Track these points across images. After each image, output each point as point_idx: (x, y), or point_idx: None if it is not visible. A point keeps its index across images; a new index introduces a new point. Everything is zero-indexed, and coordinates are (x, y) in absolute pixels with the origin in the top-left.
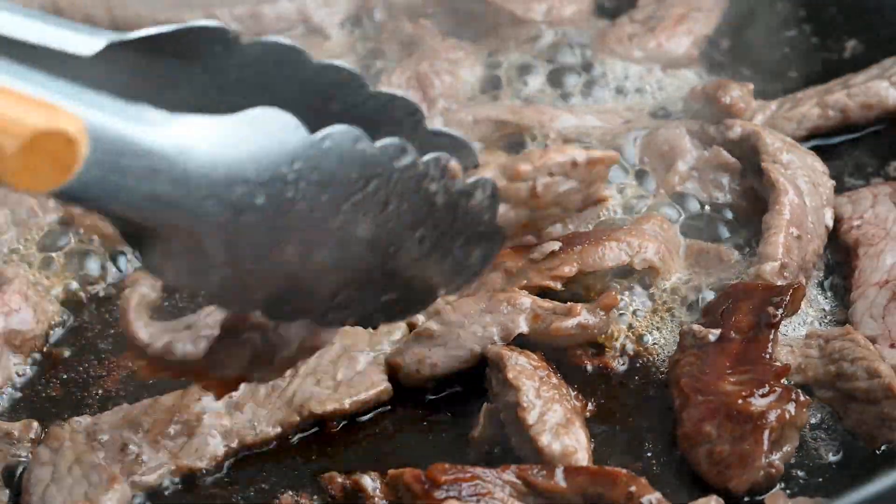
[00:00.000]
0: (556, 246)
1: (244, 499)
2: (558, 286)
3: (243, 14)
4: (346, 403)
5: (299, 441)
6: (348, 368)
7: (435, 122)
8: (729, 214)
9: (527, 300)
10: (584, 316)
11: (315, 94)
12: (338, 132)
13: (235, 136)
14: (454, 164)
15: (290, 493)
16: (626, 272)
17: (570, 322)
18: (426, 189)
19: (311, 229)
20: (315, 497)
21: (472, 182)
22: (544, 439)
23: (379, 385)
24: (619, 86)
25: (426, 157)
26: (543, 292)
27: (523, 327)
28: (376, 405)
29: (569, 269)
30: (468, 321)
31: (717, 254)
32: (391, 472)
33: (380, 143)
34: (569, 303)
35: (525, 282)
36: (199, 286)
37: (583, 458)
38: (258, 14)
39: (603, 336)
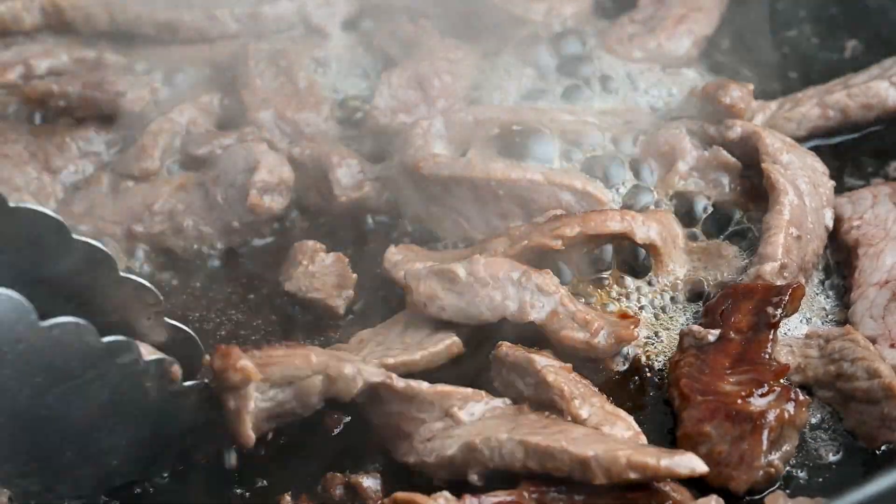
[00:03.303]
0: (560, 210)
1: (244, 499)
2: (559, 244)
3: (243, 14)
4: (417, 356)
5: (299, 441)
6: (415, 334)
7: (435, 123)
8: (729, 214)
9: (555, 290)
10: (599, 337)
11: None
12: (68, 323)
13: None
14: (176, 368)
15: (290, 493)
16: (629, 265)
17: (580, 336)
18: (143, 385)
19: (14, 403)
20: (315, 497)
21: (191, 386)
22: (605, 430)
23: (447, 339)
24: (619, 86)
25: (150, 358)
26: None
27: (538, 316)
28: (448, 358)
29: (570, 230)
30: (493, 284)
31: (718, 252)
32: (399, 494)
33: (107, 339)
34: (593, 315)
35: (526, 242)
36: None
37: (642, 439)
38: (258, 14)
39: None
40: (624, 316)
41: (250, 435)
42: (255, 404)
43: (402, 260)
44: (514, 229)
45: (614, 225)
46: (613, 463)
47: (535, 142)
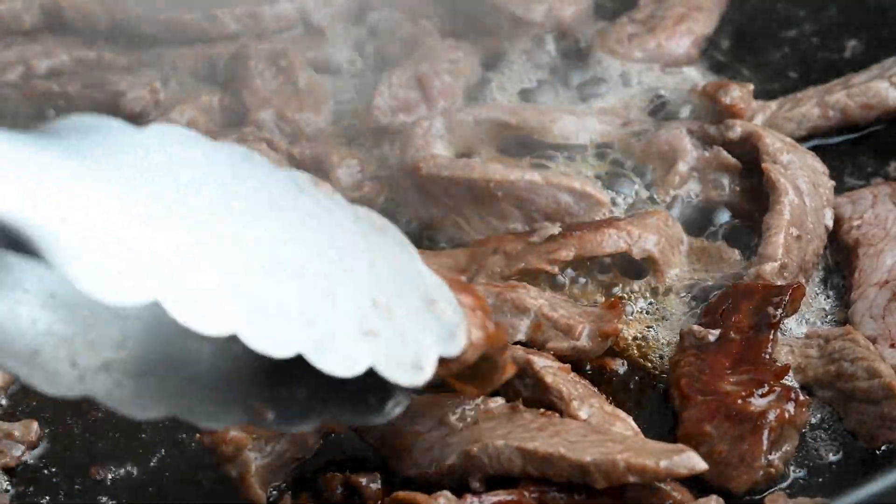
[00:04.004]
0: (555, 230)
1: (245, 499)
2: (555, 269)
3: (243, 14)
4: None
5: None
6: None
7: (435, 123)
8: (729, 214)
9: (534, 304)
10: (582, 340)
11: None
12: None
13: None
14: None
15: (290, 493)
16: (628, 268)
17: (566, 344)
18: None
19: None
20: (315, 497)
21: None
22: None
23: None
24: (619, 85)
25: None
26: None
27: (522, 336)
28: None
29: (566, 254)
30: None
31: (718, 253)
32: (399, 494)
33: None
34: (575, 317)
35: (523, 265)
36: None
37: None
38: (258, 14)
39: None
40: (611, 305)
41: (261, 495)
42: (255, 465)
43: None
44: (508, 243)
45: (611, 245)
46: (612, 468)
47: (535, 142)
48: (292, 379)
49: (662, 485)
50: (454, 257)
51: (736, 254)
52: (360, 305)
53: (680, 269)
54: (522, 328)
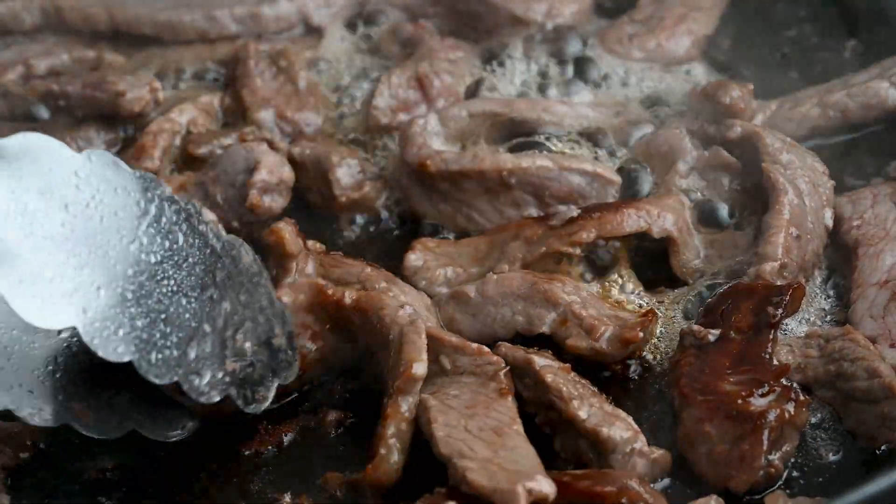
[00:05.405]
0: (574, 212)
1: (244, 499)
2: (577, 251)
3: (243, 14)
4: None
5: (299, 441)
6: None
7: (430, 120)
8: (728, 214)
9: (565, 299)
10: (601, 342)
11: None
12: (102, 153)
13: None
14: (208, 211)
15: (290, 492)
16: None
17: (585, 344)
18: (200, 231)
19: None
20: (315, 497)
21: (234, 238)
22: (604, 431)
23: None
24: (619, 85)
25: (180, 198)
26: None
27: (546, 328)
28: None
29: (586, 235)
30: (502, 301)
31: (731, 240)
32: None
33: (134, 171)
34: (602, 318)
35: (544, 248)
36: None
37: (641, 439)
38: (258, 14)
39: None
40: (645, 314)
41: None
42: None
43: (422, 267)
44: (527, 228)
45: (631, 224)
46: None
47: (529, 131)
48: (110, 388)
49: (640, 490)
50: (474, 245)
51: (748, 235)
52: (223, 338)
53: (694, 256)
54: (548, 321)
